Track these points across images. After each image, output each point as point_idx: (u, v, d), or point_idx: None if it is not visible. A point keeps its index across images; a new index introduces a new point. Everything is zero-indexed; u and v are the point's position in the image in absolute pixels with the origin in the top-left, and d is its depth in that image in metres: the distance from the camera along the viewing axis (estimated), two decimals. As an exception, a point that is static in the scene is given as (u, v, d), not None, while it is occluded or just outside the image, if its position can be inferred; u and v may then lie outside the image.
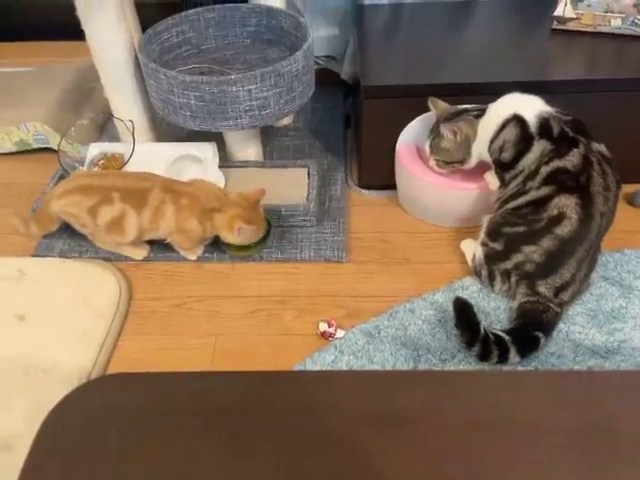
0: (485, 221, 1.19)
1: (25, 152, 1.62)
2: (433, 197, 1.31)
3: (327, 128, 1.66)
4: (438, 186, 1.27)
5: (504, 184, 1.19)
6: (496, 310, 1.16)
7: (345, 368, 1.06)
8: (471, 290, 1.20)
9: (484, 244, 1.18)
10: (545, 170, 1.09)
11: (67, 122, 1.52)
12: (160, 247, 1.29)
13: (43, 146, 1.59)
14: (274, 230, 1.31)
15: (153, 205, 1.20)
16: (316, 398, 0.67)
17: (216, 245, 1.30)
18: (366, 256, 1.30)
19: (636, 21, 1.33)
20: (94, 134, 1.59)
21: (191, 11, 1.46)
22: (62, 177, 1.39)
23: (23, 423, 0.98)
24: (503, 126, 1.15)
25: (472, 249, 1.23)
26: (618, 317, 1.13)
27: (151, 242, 1.30)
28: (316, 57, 1.55)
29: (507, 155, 1.16)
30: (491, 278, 1.18)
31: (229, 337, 1.15)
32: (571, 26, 1.39)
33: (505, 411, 0.64)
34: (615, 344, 1.09)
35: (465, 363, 1.07)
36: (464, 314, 1.07)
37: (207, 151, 1.40)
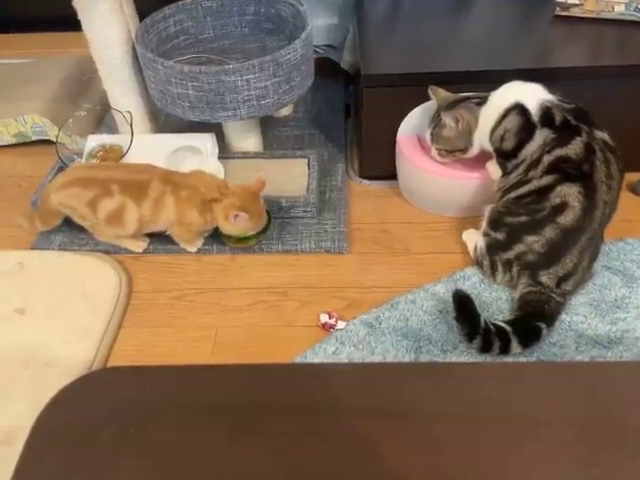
0: (487, 211, 1.18)
1: (23, 144, 1.61)
2: (434, 187, 1.30)
3: (327, 118, 1.64)
4: (439, 176, 1.26)
5: (506, 173, 1.17)
6: (498, 301, 1.15)
7: (346, 359, 1.06)
8: (473, 281, 1.19)
9: (486, 234, 1.17)
10: (547, 159, 1.08)
11: (65, 114, 1.51)
12: (159, 239, 1.29)
13: (41, 138, 1.58)
14: (274, 221, 1.30)
15: (153, 197, 1.19)
16: (316, 391, 0.66)
17: (216, 237, 1.29)
18: (367, 247, 1.30)
19: (640, 7, 1.31)
20: (92, 126, 1.57)
21: (188, 0, 1.44)
22: (61, 169, 1.38)
23: (24, 416, 0.97)
24: (505, 115, 1.14)
25: (474, 239, 1.22)
26: (621, 307, 1.13)
27: (150, 234, 1.29)
28: (315, 46, 1.53)
29: (509, 144, 1.14)
30: (493, 268, 1.17)
31: (229, 329, 1.15)
32: (574, 12, 1.37)
33: (506, 403, 0.64)
34: (618, 334, 1.08)
35: (467, 354, 1.06)
36: (464, 307, 1.06)
37: (206, 142, 1.38)
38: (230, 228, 1.21)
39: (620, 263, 1.20)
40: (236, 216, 1.16)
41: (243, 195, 1.19)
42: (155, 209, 1.20)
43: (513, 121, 1.13)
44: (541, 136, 1.10)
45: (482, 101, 1.18)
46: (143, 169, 1.23)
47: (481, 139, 1.19)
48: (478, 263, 1.21)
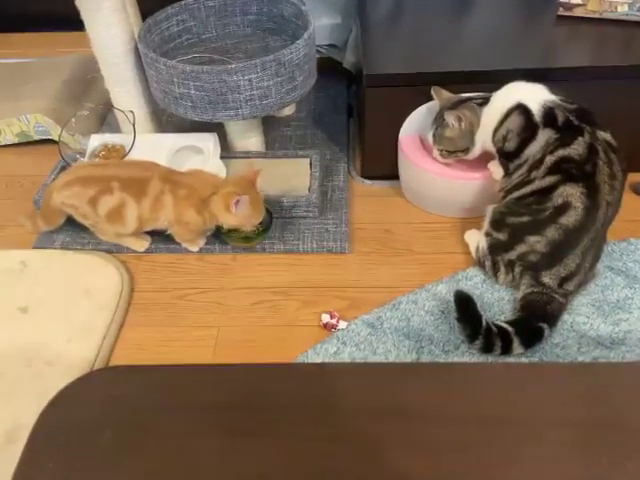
0: (489, 211, 1.18)
1: (26, 144, 1.61)
2: (436, 187, 1.30)
3: (329, 118, 1.64)
4: (441, 176, 1.26)
5: (508, 174, 1.17)
6: (500, 301, 1.15)
7: (347, 359, 1.06)
8: (475, 281, 1.19)
9: (488, 234, 1.17)
10: (550, 159, 1.08)
11: (68, 113, 1.51)
12: (162, 239, 1.29)
13: (44, 137, 1.59)
14: (276, 221, 1.30)
15: (152, 195, 1.19)
16: (317, 391, 0.66)
17: (218, 236, 1.29)
18: (369, 247, 1.29)
19: (643, 7, 1.31)
20: (95, 125, 1.58)
21: (191, -1, 1.45)
22: (63, 169, 1.39)
23: (26, 415, 0.97)
24: (507, 115, 1.14)
25: (476, 239, 1.22)
26: (623, 307, 1.12)
27: (152, 234, 1.29)
28: (318, 46, 1.53)
29: (511, 144, 1.14)
30: (495, 269, 1.17)
31: (231, 329, 1.15)
32: (577, 12, 1.37)
33: (508, 405, 0.63)
34: (620, 335, 1.08)
35: (468, 354, 1.06)
36: (466, 308, 1.06)
37: (208, 142, 1.38)
38: (231, 218, 1.18)
39: (623, 264, 1.20)
40: (237, 203, 1.13)
41: (240, 183, 1.18)
42: (154, 208, 1.20)
43: (515, 121, 1.13)
44: (543, 136, 1.10)
45: (484, 101, 1.18)
46: (144, 167, 1.23)
47: (483, 139, 1.19)
48: (480, 263, 1.20)
